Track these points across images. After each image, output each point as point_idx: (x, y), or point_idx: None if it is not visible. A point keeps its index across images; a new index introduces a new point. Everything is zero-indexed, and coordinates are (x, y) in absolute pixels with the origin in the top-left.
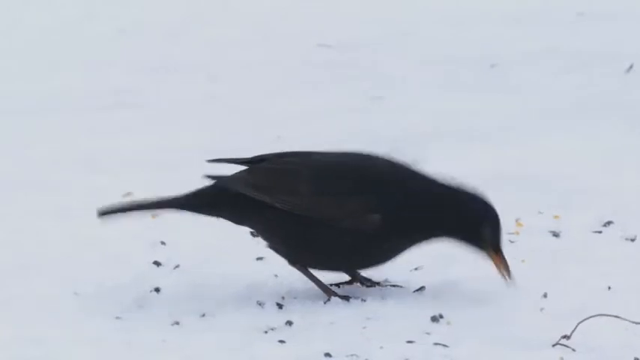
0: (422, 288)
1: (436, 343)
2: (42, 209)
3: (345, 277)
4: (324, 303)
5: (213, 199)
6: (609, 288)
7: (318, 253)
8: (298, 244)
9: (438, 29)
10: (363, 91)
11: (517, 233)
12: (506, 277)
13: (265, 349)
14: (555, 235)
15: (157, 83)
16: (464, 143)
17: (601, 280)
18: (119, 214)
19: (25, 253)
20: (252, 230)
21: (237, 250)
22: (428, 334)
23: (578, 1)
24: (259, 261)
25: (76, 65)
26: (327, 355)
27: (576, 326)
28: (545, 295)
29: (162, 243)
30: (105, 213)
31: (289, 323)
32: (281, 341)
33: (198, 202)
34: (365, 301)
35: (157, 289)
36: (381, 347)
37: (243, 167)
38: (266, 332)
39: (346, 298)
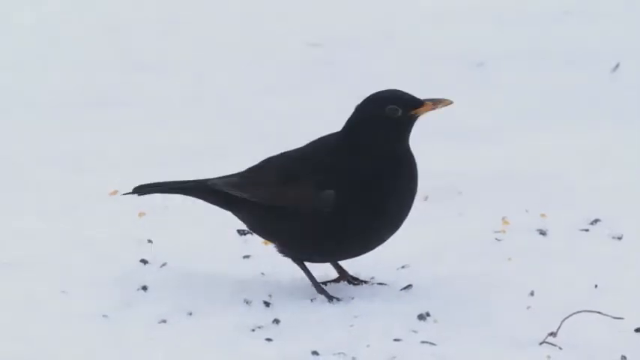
0: (409, 286)
1: (423, 341)
2: (27, 208)
3: (333, 275)
4: (311, 301)
5: (211, 196)
6: (596, 286)
7: (291, 239)
8: (273, 233)
9: (426, 28)
10: (351, 90)
11: (504, 232)
12: (443, 103)
13: (253, 347)
14: (542, 233)
15: (143, 82)
16: (450, 142)
17: (588, 278)
18: (153, 192)
19: (12, 252)
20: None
21: (224, 248)
22: (415, 332)
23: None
24: (246, 259)
25: (63, 64)
26: (315, 353)
27: (561, 323)
28: (532, 293)
29: (150, 241)
30: (140, 190)
31: (276, 321)
32: (268, 339)
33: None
34: (352, 299)
35: (144, 288)
36: (368, 345)
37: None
38: (253, 330)
39: (336, 299)
